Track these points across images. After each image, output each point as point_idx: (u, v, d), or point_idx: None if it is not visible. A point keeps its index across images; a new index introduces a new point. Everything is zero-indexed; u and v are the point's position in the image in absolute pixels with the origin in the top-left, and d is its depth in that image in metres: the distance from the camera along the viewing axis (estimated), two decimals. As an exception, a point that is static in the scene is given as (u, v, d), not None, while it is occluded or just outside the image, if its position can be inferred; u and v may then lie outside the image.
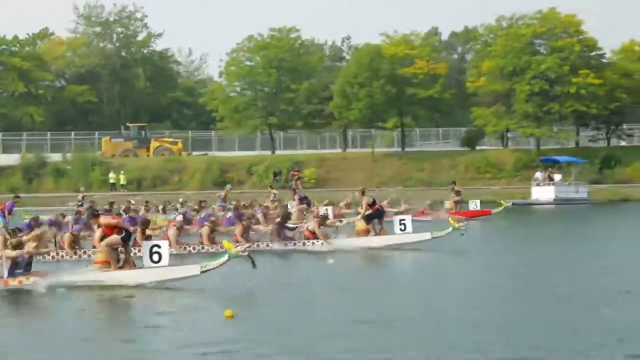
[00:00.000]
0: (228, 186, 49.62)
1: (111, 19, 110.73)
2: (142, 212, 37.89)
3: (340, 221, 32.60)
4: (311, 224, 30.45)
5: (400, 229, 29.97)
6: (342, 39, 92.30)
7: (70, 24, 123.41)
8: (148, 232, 27.41)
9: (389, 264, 28.27)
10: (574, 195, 53.99)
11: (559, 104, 75.47)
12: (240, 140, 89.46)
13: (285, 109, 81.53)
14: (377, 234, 30.49)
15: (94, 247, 24.89)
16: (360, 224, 30.75)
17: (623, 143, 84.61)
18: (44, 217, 32.43)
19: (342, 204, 40.67)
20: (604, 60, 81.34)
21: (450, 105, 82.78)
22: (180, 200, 43.48)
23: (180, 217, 31.55)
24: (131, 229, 22.79)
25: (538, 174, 60.82)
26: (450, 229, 28.70)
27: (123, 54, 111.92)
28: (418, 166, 77.61)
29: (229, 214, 34.20)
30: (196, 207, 39.08)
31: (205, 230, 29.79)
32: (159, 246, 20.82)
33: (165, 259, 20.68)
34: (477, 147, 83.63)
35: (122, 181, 73.52)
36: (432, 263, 27.75)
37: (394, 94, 77.82)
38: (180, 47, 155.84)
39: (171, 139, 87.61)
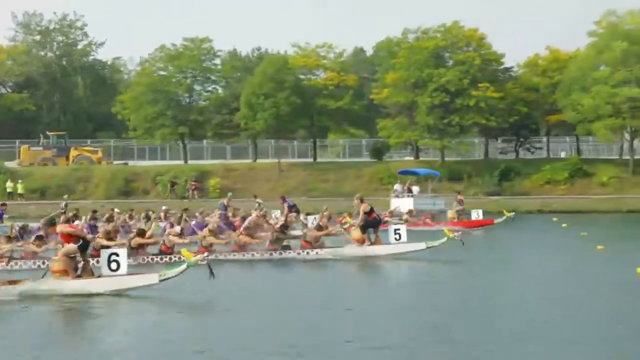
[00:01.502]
0: (229, 194, 48.43)
1: (51, 27, 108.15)
2: (134, 222, 36.90)
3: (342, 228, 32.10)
4: (309, 234, 29.81)
5: (395, 239, 29.22)
6: (253, 50, 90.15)
7: (9, 32, 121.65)
8: (143, 241, 27.73)
9: (372, 274, 27.02)
10: (431, 207, 52.11)
11: (459, 116, 73.79)
12: (161, 149, 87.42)
13: (196, 118, 79.34)
14: (372, 243, 29.70)
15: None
16: (356, 233, 29.83)
17: (530, 155, 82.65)
18: (33, 225, 31.20)
19: (345, 214, 39.58)
20: (512, 74, 79.53)
21: (361, 117, 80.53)
22: (164, 208, 42.78)
23: (177, 228, 30.33)
24: (89, 237, 21.89)
25: (397, 186, 59.18)
26: (445, 239, 27.95)
27: (63, 62, 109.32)
28: (323, 177, 75.86)
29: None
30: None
31: (210, 239, 29.25)
32: (117, 254, 20.13)
33: (124, 268, 20.02)
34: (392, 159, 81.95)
35: (20, 190, 71.21)
36: (423, 273, 26.47)
37: (300, 105, 75.47)
38: (131, 56, 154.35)
39: (91, 148, 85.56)
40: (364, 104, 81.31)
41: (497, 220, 45.01)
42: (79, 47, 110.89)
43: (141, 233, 28.54)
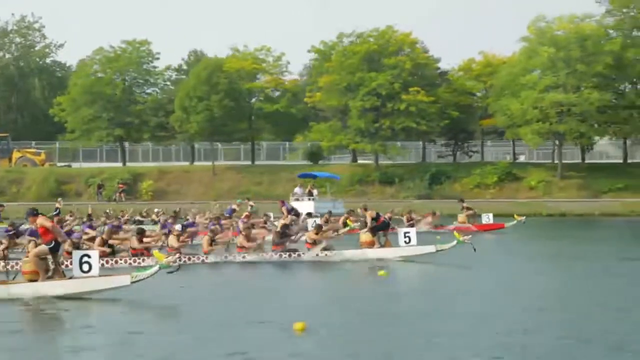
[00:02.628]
0: (239, 201, 47.37)
1: (9, 28, 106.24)
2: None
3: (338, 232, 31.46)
4: (310, 235, 29.06)
5: (405, 242, 28.47)
6: (189, 53, 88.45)
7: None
8: (146, 241, 27.09)
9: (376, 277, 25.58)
10: (332, 210, 50.67)
11: (390, 120, 72.35)
12: (107, 152, 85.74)
13: (131, 121, 77.78)
14: (381, 246, 29.45)
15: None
16: (366, 236, 29.50)
17: (468, 159, 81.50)
18: (25, 227, 30.40)
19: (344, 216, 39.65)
20: (447, 78, 78.16)
21: (298, 120, 79.12)
22: (156, 210, 43.49)
23: (179, 226, 29.95)
24: (60, 239, 20.45)
25: (297, 189, 58.22)
26: (455, 242, 27.36)
27: (21, 64, 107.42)
28: (257, 179, 74.38)
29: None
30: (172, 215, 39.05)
31: (206, 239, 28.57)
32: (89, 256, 19.43)
33: (96, 269, 19.26)
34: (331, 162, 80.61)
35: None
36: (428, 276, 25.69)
37: (233, 108, 73.92)
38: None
39: (34, 150, 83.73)
40: (303, 108, 79.53)
41: (508, 224, 44.02)
42: (37, 48, 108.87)
43: (141, 232, 27.75)
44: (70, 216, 39.22)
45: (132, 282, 18.85)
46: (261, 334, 14.92)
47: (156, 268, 18.74)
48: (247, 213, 37.99)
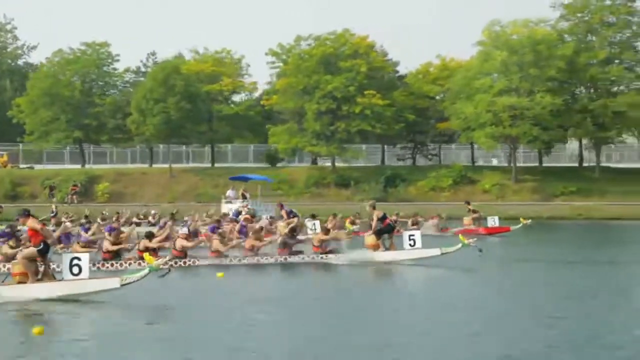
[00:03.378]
0: (245, 202, 46.19)
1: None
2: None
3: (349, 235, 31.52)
4: (316, 237, 29.17)
5: (410, 245, 28.39)
6: (147, 55, 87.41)
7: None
8: (154, 243, 26.71)
9: (384, 279, 25.76)
10: (264, 213, 49.98)
11: (345, 123, 71.58)
12: (71, 154, 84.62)
13: (90, 123, 76.75)
14: (386, 248, 28.99)
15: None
16: (370, 239, 29.16)
17: (430, 162, 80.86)
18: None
19: (348, 220, 39.65)
20: (406, 82, 77.42)
21: (257, 123, 78.22)
22: (153, 212, 43.64)
23: (185, 229, 29.71)
24: (50, 241, 20.46)
25: (229, 192, 57.46)
26: (460, 245, 27.15)
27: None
28: (213, 182, 73.33)
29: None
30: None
31: (215, 242, 28.44)
32: (79, 259, 19.40)
33: (86, 272, 19.25)
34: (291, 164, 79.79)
35: None
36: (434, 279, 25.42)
37: (190, 110, 72.92)
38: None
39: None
40: (261, 110, 78.73)
41: (514, 228, 43.54)
42: (9, 50, 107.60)
43: (150, 236, 27.28)
44: (66, 218, 39.33)
45: (122, 285, 18.74)
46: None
47: (146, 271, 18.57)
48: (247, 215, 37.46)
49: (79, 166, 79.97)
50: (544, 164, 78.70)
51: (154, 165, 80.00)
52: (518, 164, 77.84)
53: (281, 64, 76.97)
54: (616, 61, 71.28)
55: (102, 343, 14.73)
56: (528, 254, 32.69)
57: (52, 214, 45.10)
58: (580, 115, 69.93)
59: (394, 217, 34.83)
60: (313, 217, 37.12)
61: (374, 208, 29.45)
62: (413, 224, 40.85)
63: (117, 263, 26.39)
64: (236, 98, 79.31)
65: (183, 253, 27.73)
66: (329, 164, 77.67)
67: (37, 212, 43.27)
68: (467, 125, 70.52)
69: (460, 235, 30.30)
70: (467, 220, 45.00)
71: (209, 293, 21.26)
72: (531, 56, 67.92)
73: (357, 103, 71.00)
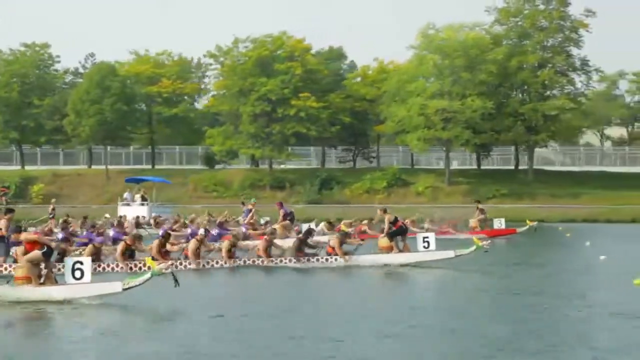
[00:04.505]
0: (253, 200, 45.01)
1: None
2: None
3: (362, 239, 30.40)
4: (332, 241, 28.30)
5: (424, 247, 27.70)
6: (86, 56, 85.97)
7: None
8: (168, 246, 26.48)
9: (394, 281, 25.42)
10: (167, 216, 49.06)
11: (280, 125, 70.90)
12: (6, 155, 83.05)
13: (27, 124, 75.40)
14: (400, 251, 28.31)
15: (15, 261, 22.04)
16: (384, 241, 28.49)
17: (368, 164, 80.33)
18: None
19: (364, 222, 38.24)
20: (343, 85, 76.86)
21: (197, 124, 77.39)
22: (153, 215, 42.58)
23: (201, 231, 28.40)
24: (52, 244, 20.48)
25: (127, 194, 56.63)
26: (474, 247, 26.52)
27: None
28: (149, 184, 72.00)
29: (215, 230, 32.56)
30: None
31: (225, 244, 27.66)
32: (81, 263, 19.05)
33: (88, 276, 18.89)
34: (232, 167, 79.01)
35: None
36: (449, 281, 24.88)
37: (126, 112, 71.85)
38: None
39: None
40: (202, 112, 77.92)
41: (520, 230, 42.85)
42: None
43: (165, 236, 26.93)
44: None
45: (124, 289, 18.41)
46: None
47: (148, 275, 18.22)
48: (251, 220, 37.29)
49: (16, 167, 78.70)
50: (496, 167, 78.64)
51: (94, 167, 78.63)
52: (460, 167, 78.55)
53: (219, 66, 76.12)
54: (549, 65, 71.23)
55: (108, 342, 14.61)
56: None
57: (50, 216, 44.50)
58: (512, 119, 69.78)
59: (407, 221, 34.26)
60: (329, 223, 36.83)
61: (385, 212, 29.10)
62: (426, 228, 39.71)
63: (131, 264, 25.82)
64: (176, 100, 77.89)
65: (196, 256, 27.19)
66: (275, 166, 76.74)
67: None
68: (401, 128, 70.10)
69: (474, 237, 29.72)
70: (473, 222, 43.90)
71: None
72: (463, 60, 67.69)
73: (291, 105, 70.31)
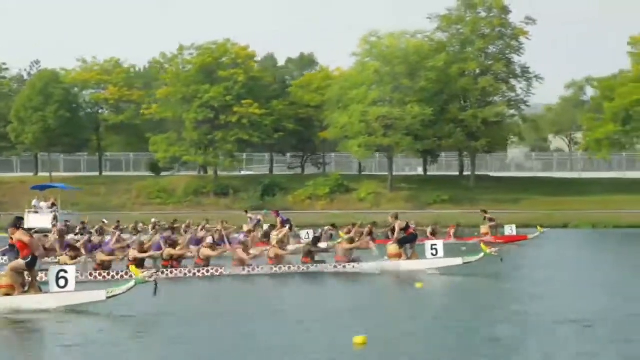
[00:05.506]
0: (265, 211, 45.20)
1: None
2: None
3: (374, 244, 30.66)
4: (340, 247, 28.50)
5: (432, 254, 27.52)
6: (31, 63, 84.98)
7: None
8: (176, 252, 26.81)
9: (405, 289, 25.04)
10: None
11: (223, 132, 70.41)
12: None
13: (-30, 131, 74.80)
14: (408, 258, 28.31)
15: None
16: (393, 248, 28.43)
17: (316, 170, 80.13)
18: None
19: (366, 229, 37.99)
20: (288, 91, 76.48)
21: (143, 131, 76.64)
22: (153, 220, 42.01)
23: (210, 238, 28.96)
24: (38, 253, 19.98)
25: (35, 202, 56.05)
26: (482, 254, 26.50)
27: None
28: (94, 190, 71.52)
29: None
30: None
31: (238, 252, 27.73)
32: (65, 271, 19.01)
33: (72, 284, 18.84)
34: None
35: None
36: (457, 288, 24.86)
37: (69, 119, 71.04)
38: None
39: None
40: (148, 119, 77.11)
41: (531, 236, 42.60)
42: None
43: (173, 245, 27.30)
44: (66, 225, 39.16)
45: (108, 297, 18.42)
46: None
47: (132, 283, 18.27)
48: (248, 227, 36.92)
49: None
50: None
51: (40, 174, 77.65)
52: (407, 173, 78.52)
53: (163, 74, 75.55)
54: (491, 72, 71.14)
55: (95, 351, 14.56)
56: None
57: (53, 224, 43.73)
58: (453, 125, 69.60)
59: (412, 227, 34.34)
60: (333, 226, 36.63)
61: (396, 218, 28.79)
62: (432, 234, 39.20)
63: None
64: (123, 107, 77.24)
65: (206, 261, 27.41)
66: (224, 173, 76.07)
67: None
68: (344, 135, 69.78)
69: (482, 244, 29.51)
70: (484, 229, 43.71)
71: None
72: (404, 67, 67.49)
73: (234, 112, 69.84)
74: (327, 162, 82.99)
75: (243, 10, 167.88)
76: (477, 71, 71.49)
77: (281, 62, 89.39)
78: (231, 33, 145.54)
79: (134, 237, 32.37)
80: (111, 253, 27.58)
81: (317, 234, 31.93)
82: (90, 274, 25.89)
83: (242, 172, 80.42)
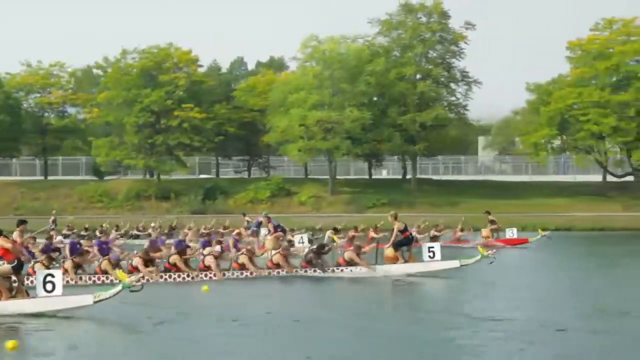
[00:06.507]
0: (264, 213, 42.23)
1: None
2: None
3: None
4: (348, 253, 27.81)
5: (429, 257, 27.17)
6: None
7: None
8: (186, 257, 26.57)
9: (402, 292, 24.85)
10: None
11: (164, 136, 69.98)
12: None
13: None
14: (405, 261, 27.73)
15: None
16: (389, 251, 27.83)
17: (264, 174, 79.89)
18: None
19: (371, 230, 38.29)
20: (232, 95, 76.23)
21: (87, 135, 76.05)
22: (152, 225, 42.24)
23: (218, 247, 27.83)
24: (24, 257, 20.01)
25: None
26: (479, 257, 26.27)
27: None
28: (34, 195, 70.90)
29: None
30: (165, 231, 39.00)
31: (243, 259, 27.15)
32: (52, 275, 18.91)
33: (59, 289, 18.71)
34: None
35: None
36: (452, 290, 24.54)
37: (11, 123, 70.34)
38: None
39: None
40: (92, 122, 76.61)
41: (532, 239, 42.12)
42: None
43: (181, 252, 26.78)
44: (69, 230, 40.10)
45: (95, 302, 18.25)
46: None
47: (119, 288, 18.04)
48: (239, 230, 37.30)
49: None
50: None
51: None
52: (352, 177, 78.47)
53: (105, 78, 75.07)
54: (430, 77, 71.16)
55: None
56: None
57: (51, 227, 44.03)
58: (392, 129, 69.59)
59: (414, 230, 34.07)
60: (335, 230, 36.32)
61: (395, 219, 28.03)
62: (433, 238, 38.74)
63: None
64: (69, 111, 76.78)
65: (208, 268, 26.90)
66: (175, 177, 75.58)
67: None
68: (284, 139, 69.59)
69: (479, 247, 29.48)
70: (485, 232, 43.30)
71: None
72: (342, 72, 67.39)
73: (175, 116, 69.42)
74: (275, 165, 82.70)
75: (211, 13, 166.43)
76: (419, 76, 71.52)
77: (251, 65, 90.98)
78: (198, 36, 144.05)
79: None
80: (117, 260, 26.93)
81: (318, 241, 31.66)
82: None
83: (202, 176, 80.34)
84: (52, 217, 49.94)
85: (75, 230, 43.24)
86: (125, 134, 70.71)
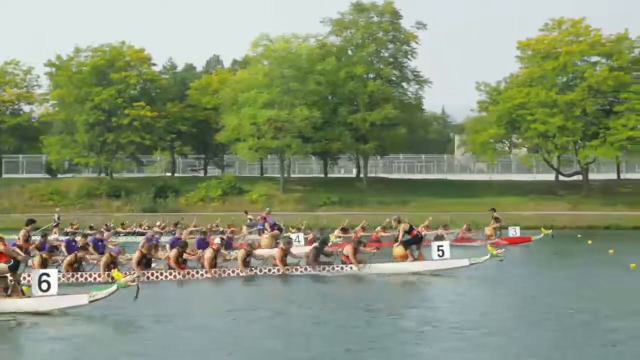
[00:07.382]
0: (268, 209, 42.95)
1: None
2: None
3: (378, 248, 29.63)
4: (347, 249, 27.59)
5: (439, 255, 26.94)
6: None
7: None
8: (186, 255, 26.41)
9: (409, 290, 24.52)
10: None
11: (114, 134, 69.44)
12: None
13: None
14: (415, 259, 27.59)
15: None
16: (398, 250, 27.76)
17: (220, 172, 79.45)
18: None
19: (378, 228, 38.24)
20: (186, 94, 75.79)
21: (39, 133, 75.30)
22: (158, 223, 42.31)
23: (218, 240, 28.00)
24: (19, 257, 19.54)
25: None
26: (489, 255, 26.08)
27: None
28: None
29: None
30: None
31: (241, 253, 26.88)
32: (48, 275, 18.81)
33: (54, 288, 18.64)
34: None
35: None
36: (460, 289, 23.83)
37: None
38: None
39: None
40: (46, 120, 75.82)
41: (535, 238, 41.70)
42: None
43: (184, 246, 26.72)
44: (72, 227, 40.15)
45: (90, 302, 18.24)
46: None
47: (114, 287, 18.01)
48: (232, 228, 37.13)
49: None
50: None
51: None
52: (306, 175, 78.31)
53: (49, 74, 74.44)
54: (381, 76, 71.13)
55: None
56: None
57: (54, 224, 43.93)
58: (342, 128, 69.48)
59: (422, 228, 33.89)
60: (343, 230, 35.76)
61: (399, 222, 28.10)
62: (438, 237, 38.50)
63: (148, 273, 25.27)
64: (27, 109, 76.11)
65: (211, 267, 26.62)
66: (127, 175, 75.07)
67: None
68: (235, 137, 69.30)
69: (489, 245, 29.30)
70: (488, 230, 43.05)
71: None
72: (293, 70, 67.16)
73: (125, 115, 68.92)
74: (231, 164, 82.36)
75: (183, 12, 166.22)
76: (372, 75, 71.43)
77: (227, 64, 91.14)
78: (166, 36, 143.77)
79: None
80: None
81: (322, 236, 31.11)
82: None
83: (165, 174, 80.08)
84: (57, 214, 49.54)
85: (79, 230, 43.06)
86: (77, 132, 70.11)
